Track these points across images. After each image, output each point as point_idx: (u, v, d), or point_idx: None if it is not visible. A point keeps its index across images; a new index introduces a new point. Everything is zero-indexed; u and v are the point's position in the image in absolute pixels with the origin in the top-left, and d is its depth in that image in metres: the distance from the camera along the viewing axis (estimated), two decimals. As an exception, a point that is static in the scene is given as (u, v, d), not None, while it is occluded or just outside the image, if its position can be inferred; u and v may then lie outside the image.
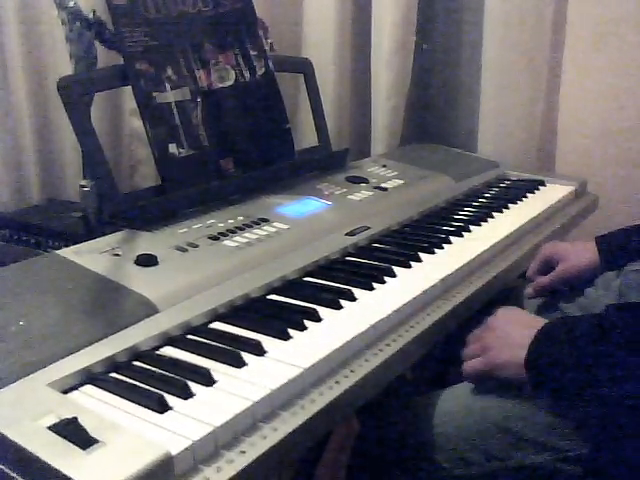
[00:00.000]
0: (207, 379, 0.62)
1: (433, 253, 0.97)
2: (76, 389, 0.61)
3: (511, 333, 0.77)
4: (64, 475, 0.48)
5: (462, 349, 0.83)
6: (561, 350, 0.70)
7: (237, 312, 0.78)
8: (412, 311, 0.81)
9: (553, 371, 0.70)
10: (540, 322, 0.75)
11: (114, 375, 0.64)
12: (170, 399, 0.58)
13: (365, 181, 1.25)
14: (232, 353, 0.67)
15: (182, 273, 0.82)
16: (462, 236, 1.05)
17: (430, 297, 0.85)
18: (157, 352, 0.69)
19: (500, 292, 1.01)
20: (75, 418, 0.53)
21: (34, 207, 1.47)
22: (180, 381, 0.61)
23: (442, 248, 0.99)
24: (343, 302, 0.79)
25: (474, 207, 1.23)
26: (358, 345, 0.72)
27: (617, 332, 0.68)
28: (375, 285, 0.85)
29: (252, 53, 1.17)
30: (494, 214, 1.17)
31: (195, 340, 0.71)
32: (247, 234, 0.95)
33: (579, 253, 1.04)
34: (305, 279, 0.88)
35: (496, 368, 0.77)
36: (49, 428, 0.52)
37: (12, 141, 1.51)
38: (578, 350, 0.69)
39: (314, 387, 0.65)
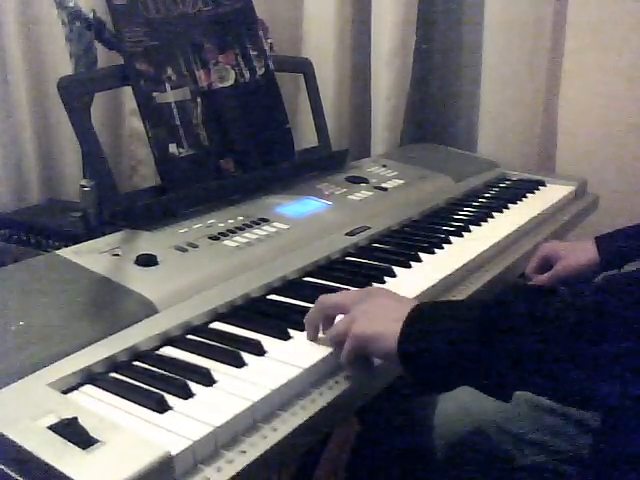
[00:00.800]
0: (207, 379, 0.62)
1: (433, 253, 0.97)
2: (76, 389, 0.61)
3: (383, 307, 0.67)
4: (64, 475, 0.48)
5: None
6: (437, 330, 0.62)
7: (237, 312, 0.78)
8: (412, 311, 0.81)
9: (426, 350, 0.62)
10: (412, 301, 0.68)
11: (114, 375, 0.64)
12: (170, 399, 0.58)
13: (365, 181, 1.25)
14: (232, 353, 0.67)
15: (182, 273, 0.82)
16: (462, 236, 1.05)
17: (430, 297, 0.85)
18: (157, 352, 0.69)
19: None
20: (75, 418, 0.53)
21: (34, 207, 1.47)
22: (180, 381, 0.61)
23: (442, 248, 0.99)
24: (343, 302, 0.79)
25: (474, 207, 1.23)
26: (358, 345, 0.71)
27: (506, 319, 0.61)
28: (375, 285, 0.84)
29: (252, 53, 1.17)
30: (494, 214, 1.17)
31: (195, 340, 0.71)
32: (247, 234, 0.95)
33: (578, 252, 1.04)
34: (305, 279, 0.88)
35: (366, 341, 0.65)
36: (49, 428, 0.52)
37: (12, 141, 1.51)
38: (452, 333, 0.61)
39: (314, 387, 0.65)
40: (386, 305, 0.67)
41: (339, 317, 0.70)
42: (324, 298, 0.71)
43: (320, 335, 0.71)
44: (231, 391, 0.60)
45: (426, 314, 0.63)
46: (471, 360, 0.58)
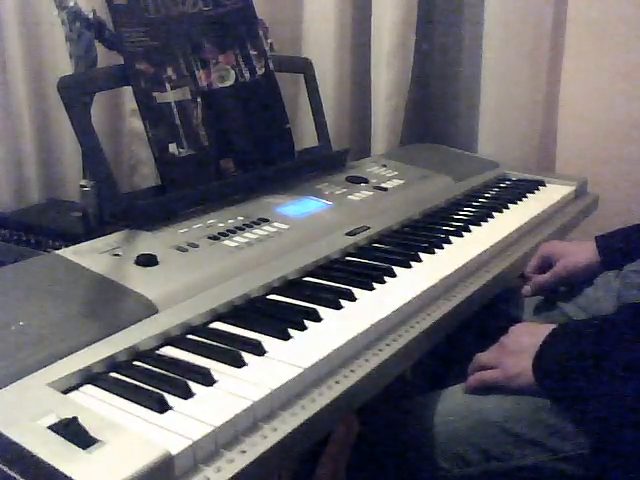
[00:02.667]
0: (207, 379, 0.62)
1: (433, 253, 0.97)
2: (76, 389, 0.61)
3: (522, 344, 0.78)
4: (64, 475, 0.48)
5: (466, 360, 0.85)
6: (567, 351, 0.70)
7: (237, 312, 0.78)
8: (412, 311, 0.81)
9: (560, 373, 0.71)
10: (548, 328, 0.76)
11: (114, 375, 0.64)
12: (170, 399, 0.58)
13: (365, 181, 1.25)
14: (232, 353, 0.67)
15: (182, 273, 0.82)
16: (462, 236, 1.05)
17: (430, 297, 0.85)
18: (157, 352, 0.69)
19: (500, 292, 1.01)
20: (75, 418, 0.53)
21: (34, 207, 1.47)
22: (180, 381, 0.61)
23: (442, 248, 0.99)
24: (343, 302, 0.79)
25: (474, 207, 1.23)
26: (358, 345, 0.72)
27: (625, 331, 0.68)
28: (375, 285, 0.85)
29: (252, 53, 1.17)
30: (494, 214, 1.17)
31: (195, 340, 0.71)
32: (247, 234, 0.95)
33: (578, 252, 1.04)
34: (305, 279, 0.88)
35: (509, 379, 0.77)
36: (49, 428, 0.52)
37: (12, 141, 1.51)
38: (584, 350, 0.69)
39: (314, 387, 0.65)
40: (518, 339, 0.80)
41: None
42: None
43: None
44: (231, 391, 0.60)
45: (554, 343, 0.74)
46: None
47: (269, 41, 1.22)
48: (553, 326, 0.77)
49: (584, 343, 0.70)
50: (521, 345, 0.78)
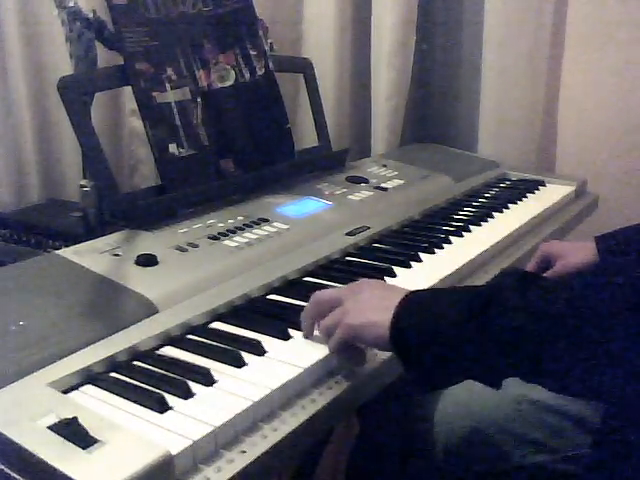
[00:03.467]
0: (207, 379, 0.62)
1: (433, 253, 0.97)
2: (76, 389, 0.61)
3: (374, 297, 0.67)
4: (64, 475, 0.48)
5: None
6: (428, 315, 0.62)
7: (237, 312, 0.78)
8: (412, 311, 0.81)
9: (419, 338, 0.62)
10: (403, 290, 0.67)
11: (114, 375, 0.64)
12: (170, 399, 0.58)
13: (365, 181, 1.25)
14: (232, 353, 0.67)
15: (182, 273, 0.82)
16: (462, 236, 1.05)
17: (430, 297, 0.85)
18: (157, 352, 0.69)
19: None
20: (75, 418, 0.53)
21: (34, 207, 1.47)
22: (180, 381, 0.61)
23: (442, 248, 0.99)
24: (343, 302, 0.79)
25: (474, 207, 1.23)
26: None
27: (508, 297, 0.59)
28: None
29: (252, 53, 1.17)
30: (494, 214, 1.17)
31: (195, 340, 0.71)
32: (247, 234, 0.95)
33: (577, 252, 1.04)
34: (305, 279, 0.88)
35: (358, 331, 0.65)
36: (49, 428, 0.52)
37: (12, 141, 1.51)
38: (444, 319, 0.60)
39: (314, 387, 0.65)
40: (377, 295, 0.67)
41: None
42: (318, 294, 0.72)
43: (316, 333, 0.71)
44: (231, 391, 0.60)
45: (417, 301, 0.63)
46: (461, 344, 0.58)
47: (269, 41, 1.22)
48: (403, 289, 0.67)
49: (443, 312, 0.61)
50: (377, 298, 0.66)
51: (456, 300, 0.61)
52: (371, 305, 0.65)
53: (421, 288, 0.67)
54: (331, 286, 0.84)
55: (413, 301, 0.63)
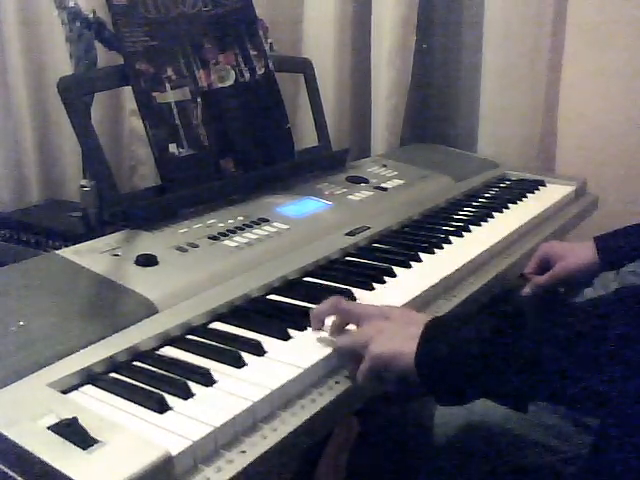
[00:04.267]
0: (207, 379, 0.62)
1: (433, 253, 0.97)
2: (76, 389, 0.61)
3: (401, 325, 0.67)
4: (64, 475, 0.48)
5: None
6: (453, 343, 0.62)
7: (237, 312, 0.78)
8: (412, 311, 0.81)
9: (443, 365, 0.62)
10: (425, 316, 0.68)
11: (114, 375, 0.64)
12: (170, 399, 0.58)
13: (365, 181, 1.25)
14: (232, 353, 0.67)
15: (182, 273, 0.82)
16: (462, 236, 1.05)
17: (430, 297, 0.85)
18: (157, 352, 0.69)
19: (500, 292, 1.01)
20: (75, 418, 0.53)
21: (34, 207, 1.47)
22: (180, 381, 0.61)
23: (442, 248, 0.99)
24: (343, 302, 0.79)
25: (474, 207, 1.23)
26: (358, 345, 0.71)
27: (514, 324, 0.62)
28: (375, 285, 0.85)
29: (252, 53, 1.17)
30: (494, 214, 1.17)
31: (195, 340, 0.71)
32: (247, 234, 0.95)
33: (577, 252, 1.04)
34: (305, 279, 0.88)
35: (385, 359, 0.65)
36: (49, 428, 0.52)
37: (12, 141, 1.51)
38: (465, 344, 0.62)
39: (314, 387, 0.65)
40: (401, 324, 0.67)
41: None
42: (340, 301, 0.72)
43: (323, 335, 0.71)
44: (231, 391, 0.61)
45: (440, 329, 0.64)
46: (486, 370, 0.59)
47: (269, 41, 1.22)
48: (426, 316, 0.69)
49: (462, 336, 0.63)
50: (403, 327, 0.66)
51: (477, 327, 0.62)
52: (396, 335, 0.65)
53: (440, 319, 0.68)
54: (331, 286, 0.85)
55: (436, 331, 0.64)
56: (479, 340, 0.60)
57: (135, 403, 0.58)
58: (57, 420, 0.53)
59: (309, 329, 0.73)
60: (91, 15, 1.01)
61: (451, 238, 1.03)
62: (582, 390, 0.56)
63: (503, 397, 0.61)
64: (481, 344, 0.60)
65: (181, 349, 0.69)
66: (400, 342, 0.64)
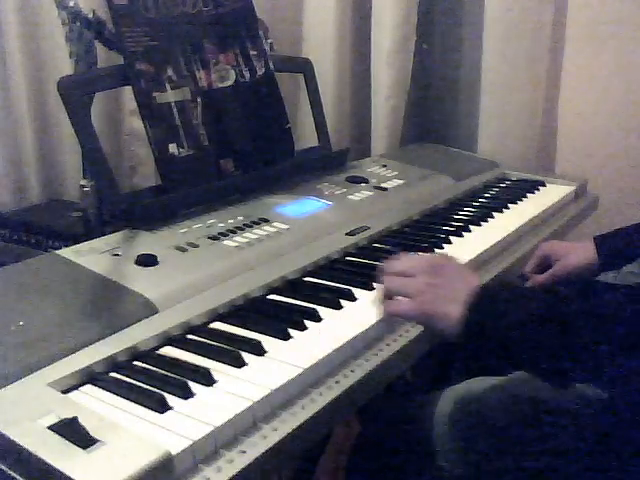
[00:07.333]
0: (207, 379, 0.62)
1: (433, 253, 0.97)
2: (76, 389, 0.61)
3: (453, 287, 0.70)
4: (64, 475, 0.48)
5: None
6: (501, 315, 0.66)
7: (237, 312, 0.78)
8: (412, 311, 0.81)
9: (491, 333, 0.66)
10: (475, 279, 0.71)
11: (114, 375, 0.64)
12: (170, 399, 0.58)
13: (365, 181, 1.25)
14: (232, 353, 0.67)
15: (182, 273, 0.82)
16: (462, 236, 1.05)
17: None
18: (157, 352, 0.69)
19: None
20: (75, 418, 0.53)
21: (34, 207, 1.47)
22: (180, 381, 0.61)
23: (442, 248, 0.99)
24: (343, 302, 0.79)
25: (474, 207, 1.23)
26: (358, 345, 0.72)
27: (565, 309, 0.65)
28: (375, 285, 0.84)
29: (252, 53, 1.17)
30: (494, 214, 1.17)
31: (195, 340, 0.71)
32: (247, 234, 0.95)
33: (577, 252, 1.04)
34: (305, 279, 0.88)
35: (428, 318, 0.70)
36: (49, 428, 0.52)
37: (12, 141, 1.51)
38: (517, 316, 0.65)
39: (314, 387, 0.65)
40: (451, 282, 0.70)
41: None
42: (392, 263, 0.75)
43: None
44: (231, 391, 0.61)
45: (488, 299, 0.67)
46: (531, 347, 0.63)
47: (269, 41, 1.22)
48: (476, 279, 0.72)
49: (517, 308, 0.67)
50: (452, 288, 0.70)
51: (526, 304, 0.66)
52: (445, 295, 0.69)
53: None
54: (331, 286, 0.85)
55: (484, 299, 0.67)
56: (525, 317, 0.64)
57: (135, 403, 0.58)
58: (57, 420, 0.53)
59: (309, 329, 0.73)
60: (91, 15, 1.00)
61: (451, 238, 1.03)
62: (618, 370, 0.60)
63: (545, 374, 0.65)
64: (527, 321, 0.63)
65: (181, 349, 0.69)
66: (448, 303, 0.68)
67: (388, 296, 0.74)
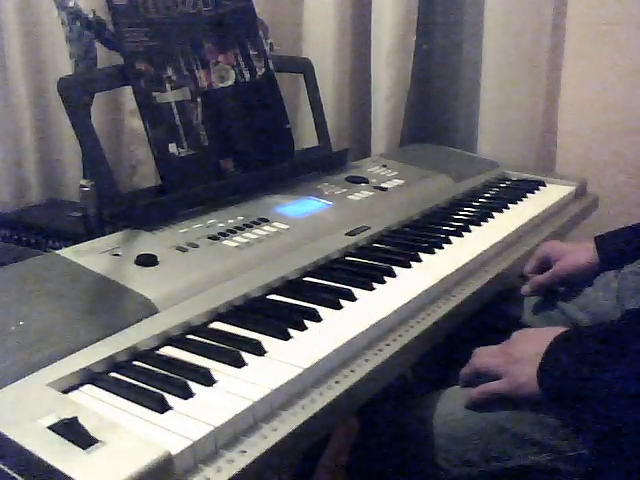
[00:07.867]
0: (207, 379, 0.62)
1: (433, 253, 0.97)
2: (76, 389, 0.61)
3: (526, 351, 0.75)
4: (64, 475, 0.48)
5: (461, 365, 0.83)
6: (571, 360, 0.69)
7: (237, 312, 0.78)
8: (412, 311, 0.81)
9: (564, 381, 0.70)
10: (552, 334, 0.74)
11: (114, 375, 0.64)
12: (170, 399, 0.58)
13: (365, 181, 1.25)
14: (232, 353, 0.66)
15: (182, 273, 0.82)
16: (462, 236, 1.05)
17: (430, 297, 0.85)
18: (157, 352, 0.69)
19: (500, 292, 1.01)
20: (75, 418, 0.53)
21: (34, 207, 1.47)
22: (180, 381, 0.61)
23: (442, 248, 0.99)
24: (343, 302, 0.79)
25: (474, 207, 1.23)
26: (358, 345, 0.72)
27: (628, 338, 0.68)
28: (375, 285, 0.85)
29: (252, 53, 1.17)
30: (494, 214, 1.17)
31: (195, 340, 0.71)
32: (247, 234, 0.95)
33: (577, 252, 1.04)
34: (305, 279, 0.88)
35: (515, 389, 0.75)
36: (49, 428, 0.52)
37: (12, 141, 1.51)
38: (589, 358, 0.69)
39: (314, 387, 0.65)
40: (523, 345, 0.77)
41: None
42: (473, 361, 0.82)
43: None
44: (231, 391, 0.60)
45: (563, 346, 0.73)
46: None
47: (269, 41, 1.22)
48: (555, 332, 0.75)
49: (588, 351, 0.70)
50: (526, 353, 0.75)
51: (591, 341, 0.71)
52: (523, 360, 0.75)
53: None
54: (331, 286, 0.85)
55: (555, 348, 0.72)
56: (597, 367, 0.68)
57: (135, 403, 0.58)
58: (57, 420, 0.53)
59: (309, 329, 0.73)
60: (91, 15, 1.01)
61: (451, 238, 1.03)
62: None
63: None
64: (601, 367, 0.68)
65: (181, 349, 0.69)
66: (523, 364, 0.74)
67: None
